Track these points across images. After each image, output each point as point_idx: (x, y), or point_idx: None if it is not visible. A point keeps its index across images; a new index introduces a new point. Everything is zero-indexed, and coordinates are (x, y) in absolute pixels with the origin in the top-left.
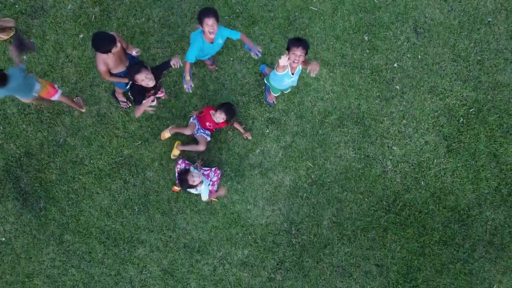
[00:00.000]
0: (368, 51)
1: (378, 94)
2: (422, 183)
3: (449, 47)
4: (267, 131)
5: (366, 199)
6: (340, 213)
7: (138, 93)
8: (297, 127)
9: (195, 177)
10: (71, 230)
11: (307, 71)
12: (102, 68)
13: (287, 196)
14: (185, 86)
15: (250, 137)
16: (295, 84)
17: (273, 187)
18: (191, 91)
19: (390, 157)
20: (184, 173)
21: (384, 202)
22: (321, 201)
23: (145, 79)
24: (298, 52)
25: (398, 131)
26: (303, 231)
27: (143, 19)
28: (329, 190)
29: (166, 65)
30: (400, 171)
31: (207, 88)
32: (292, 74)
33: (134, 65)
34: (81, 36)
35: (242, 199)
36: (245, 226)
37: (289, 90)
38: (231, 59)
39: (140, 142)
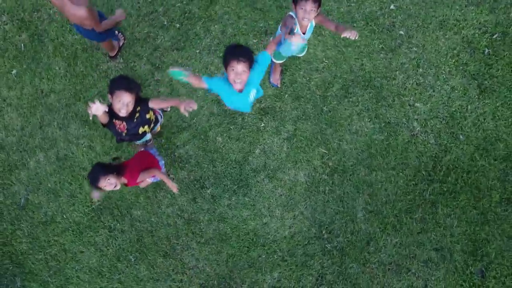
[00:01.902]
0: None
1: (381, 46)
2: (461, 137)
3: None
4: (262, 124)
5: (401, 173)
6: (375, 198)
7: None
8: (296, 111)
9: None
10: None
11: (342, 37)
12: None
13: (307, 195)
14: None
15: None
16: (306, 47)
17: (287, 189)
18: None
19: (415, 116)
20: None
21: (423, 172)
22: (348, 190)
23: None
24: (308, 6)
25: (416, 83)
26: (336, 232)
27: None
28: (354, 175)
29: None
30: (432, 130)
31: (178, 93)
32: (304, 33)
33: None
34: (14, 72)
35: (254, 213)
36: (267, 244)
37: (302, 54)
38: (197, 51)
39: None
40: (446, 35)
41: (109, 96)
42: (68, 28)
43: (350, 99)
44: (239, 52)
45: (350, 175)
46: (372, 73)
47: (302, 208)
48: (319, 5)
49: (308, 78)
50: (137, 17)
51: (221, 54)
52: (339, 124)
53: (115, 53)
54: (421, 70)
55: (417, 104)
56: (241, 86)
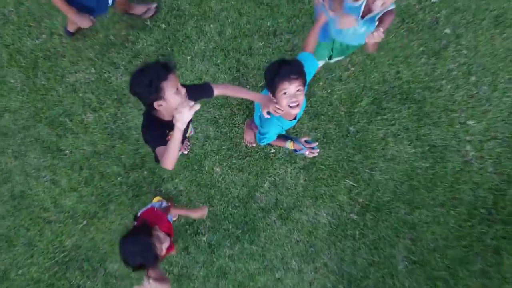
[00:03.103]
0: None
1: (421, 49)
2: None
3: None
4: (272, 150)
5: (452, 211)
6: (419, 245)
7: (155, 131)
8: (315, 132)
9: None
10: None
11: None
12: None
13: (331, 241)
14: None
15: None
16: (362, 40)
17: (306, 233)
18: None
19: (468, 137)
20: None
21: (481, 210)
22: (385, 234)
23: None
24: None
25: (468, 95)
26: None
27: (44, 35)
28: (392, 214)
29: (207, 90)
30: (490, 155)
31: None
32: (362, 17)
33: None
34: None
35: (263, 266)
36: None
37: (345, 56)
38: (188, 57)
39: (85, 221)
40: (503, 33)
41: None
42: (27, 31)
43: (384, 117)
44: (287, 68)
45: (387, 214)
46: (411, 83)
47: (326, 258)
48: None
49: (329, 91)
50: (112, 17)
51: (218, 61)
52: (370, 148)
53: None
54: (473, 78)
55: (469, 122)
56: (299, 109)
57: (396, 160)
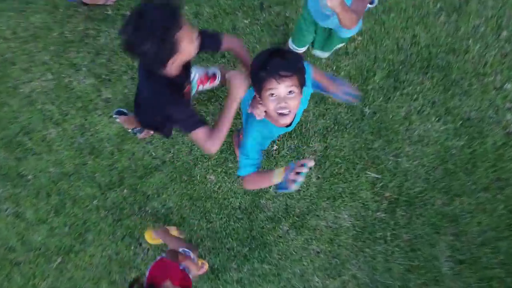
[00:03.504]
0: None
1: (438, 5)
2: None
3: None
4: (275, 147)
5: (499, 195)
6: (464, 240)
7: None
8: (324, 120)
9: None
10: None
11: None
12: None
13: (358, 247)
14: None
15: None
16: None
17: (326, 241)
18: None
19: (507, 104)
20: None
21: None
22: (421, 232)
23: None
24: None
25: (501, 54)
26: None
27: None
28: (427, 206)
29: (216, 42)
30: None
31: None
32: None
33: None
34: None
35: (280, 287)
36: None
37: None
38: None
39: (60, 258)
40: None
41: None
42: None
43: (404, 91)
44: (278, 60)
45: (421, 208)
46: (432, 47)
47: (354, 269)
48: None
49: (334, 68)
50: (65, 9)
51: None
52: (392, 131)
53: None
54: (505, 33)
55: (507, 86)
56: (290, 119)
57: (424, 142)
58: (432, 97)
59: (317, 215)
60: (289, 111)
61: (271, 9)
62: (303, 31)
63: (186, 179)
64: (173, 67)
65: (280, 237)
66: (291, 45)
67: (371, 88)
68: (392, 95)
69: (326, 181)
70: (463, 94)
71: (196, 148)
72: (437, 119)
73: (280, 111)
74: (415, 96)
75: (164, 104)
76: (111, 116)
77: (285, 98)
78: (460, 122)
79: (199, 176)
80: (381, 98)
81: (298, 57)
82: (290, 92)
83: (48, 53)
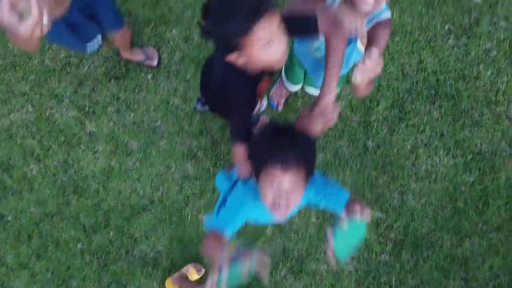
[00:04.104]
0: None
1: (447, 27)
2: None
3: None
4: None
5: None
6: (475, 285)
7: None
8: (323, 153)
9: None
10: None
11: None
12: None
13: None
14: None
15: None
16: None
17: (328, 287)
18: None
19: None
20: None
21: None
22: (428, 276)
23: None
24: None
25: None
26: None
27: None
28: (434, 248)
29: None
30: None
31: (126, 149)
32: None
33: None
34: None
35: None
36: None
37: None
38: (149, 76)
39: None
40: None
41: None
42: None
43: (410, 122)
44: (288, 147)
45: (428, 250)
46: (439, 73)
47: None
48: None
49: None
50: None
51: (188, 76)
52: (397, 166)
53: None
54: None
55: None
56: (284, 216)
57: (432, 178)
58: (440, 129)
59: (317, 259)
60: (288, 207)
61: None
62: (294, 67)
63: (176, 220)
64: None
65: (277, 282)
66: (284, 78)
67: (375, 119)
68: (397, 127)
69: (326, 222)
70: (474, 125)
71: (186, 186)
72: (445, 152)
73: (277, 206)
74: (422, 127)
75: (227, 91)
76: (95, 152)
77: (287, 192)
78: (471, 156)
79: (190, 217)
80: (385, 130)
81: (311, 144)
82: (294, 187)
83: (27, 83)
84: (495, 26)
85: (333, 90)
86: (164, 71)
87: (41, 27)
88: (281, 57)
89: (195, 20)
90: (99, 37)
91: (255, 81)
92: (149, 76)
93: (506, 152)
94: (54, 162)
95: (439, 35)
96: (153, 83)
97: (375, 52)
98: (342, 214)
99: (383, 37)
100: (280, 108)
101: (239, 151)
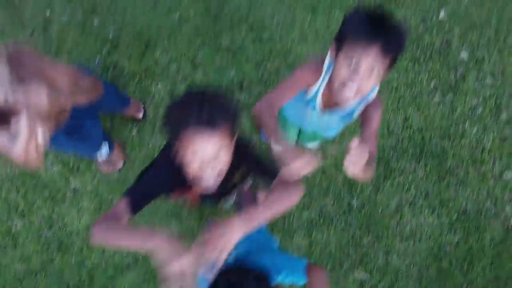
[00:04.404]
0: None
1: (433, 83)
2: None
3: None
4: None
5: None
6: None
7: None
8: (308, 212)
9: None
10: None
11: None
12: None
13: None
14: None
15: None
16: (331, 134)
17: None
18: None
19: (507, 195)
20: None
21: None
22: None
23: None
24: (370, 56)
25: (500, 138)
26: None
27: None
28: None
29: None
30: None
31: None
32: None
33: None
34: None
35: None
36: None
37: (315, 144)
38: (134, 131)
39: None
40: None
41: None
42: None
43: (395, 181)
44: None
45: None
46: (425, 131)
47: None
48: (394, 59)
49: (320, 153)
50: None
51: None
52: (382, 225)
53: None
54: (504, 115)
55: (506, 174)
56: (213, 183)
57: (416, 237)
58: (425, 188)
59: None
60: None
61: (251, 89)
62: (284, 127)
63: (161, 279)
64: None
65: None
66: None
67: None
68: (382, 185)
69: None
70: (459, 184)
71: None
72: (430, 212)
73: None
74: (407, 186)
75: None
76: (79, 209)
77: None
78: (456, 216)
79: None
80: (370, 189)
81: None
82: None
83: None
84: (481, 83)
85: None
86: (149, 126)
87: (36, 146)
88: (209, 186)
89: (180, 74)
90: (105, 145)
91: (181, 179)
92: (134, 131)
93: (491, 211)
94: (39, 217)
95: (425, 91)
96: (138, 138)
97: (355, 142)
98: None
99: (374, 118)
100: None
101: (121, 205)
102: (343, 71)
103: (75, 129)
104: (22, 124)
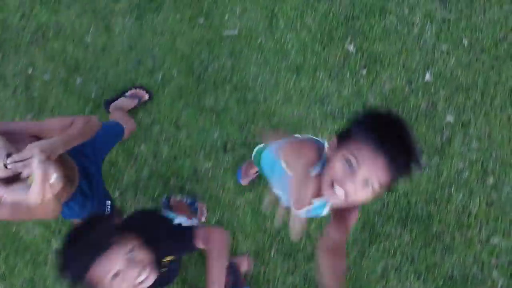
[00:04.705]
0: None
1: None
2: None
3: None
4: None
5: None
6: None
7: None
8: (292, 277)
9: None
10: None
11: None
12: None
13: None
14: None
15: None
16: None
17: None
18: None
19: (493, 260)
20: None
21: None
22: None
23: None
24: (375, 172)
25: (486, 202)
26: None
27: None
28: None
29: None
30: None
31: None
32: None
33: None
34: None
35: None
36: None
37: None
38: (117, 192)
39: None
40: None
41: None
42: None
43: (380, 246)
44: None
45: None
46: (411, 195)
47: None
48: (396, 178)
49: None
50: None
51: (156, 193)
52: None
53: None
54: (491, 179)
55: (493, 239)
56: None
57: None
58: (411, 253)
59: None
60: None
61: (235, 151)
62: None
63: None
64: None
65: None
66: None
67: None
68: (368, 250)
69: None
70: (445, 250)
71: None
72: (416, 277)
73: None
74: (393, 251)
75: None
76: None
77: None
78: (442, 281)
79: None
80: (355, 253)
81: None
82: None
83: None
84: (467, 146)
85: None
86: (131, 188)
87: (50, 187)
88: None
89: (163, 136)
90: (108, 204)
91: None
92: (117, 192)
93: (478, 277)
94: (20, 280)
95: None
96: (120, 199)
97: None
98: None
99: (352, 218)
100: (244, 183)
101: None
102: (339, 171)
103: (88, 186)
104: (34, 167)
